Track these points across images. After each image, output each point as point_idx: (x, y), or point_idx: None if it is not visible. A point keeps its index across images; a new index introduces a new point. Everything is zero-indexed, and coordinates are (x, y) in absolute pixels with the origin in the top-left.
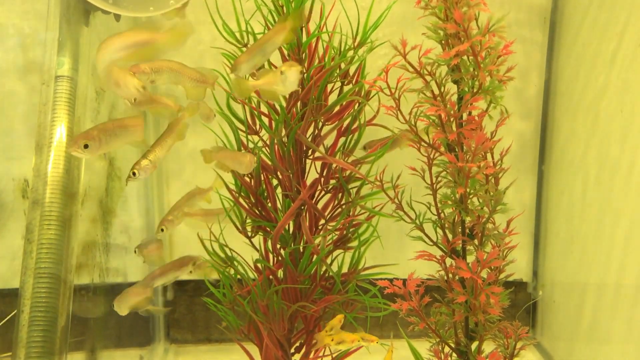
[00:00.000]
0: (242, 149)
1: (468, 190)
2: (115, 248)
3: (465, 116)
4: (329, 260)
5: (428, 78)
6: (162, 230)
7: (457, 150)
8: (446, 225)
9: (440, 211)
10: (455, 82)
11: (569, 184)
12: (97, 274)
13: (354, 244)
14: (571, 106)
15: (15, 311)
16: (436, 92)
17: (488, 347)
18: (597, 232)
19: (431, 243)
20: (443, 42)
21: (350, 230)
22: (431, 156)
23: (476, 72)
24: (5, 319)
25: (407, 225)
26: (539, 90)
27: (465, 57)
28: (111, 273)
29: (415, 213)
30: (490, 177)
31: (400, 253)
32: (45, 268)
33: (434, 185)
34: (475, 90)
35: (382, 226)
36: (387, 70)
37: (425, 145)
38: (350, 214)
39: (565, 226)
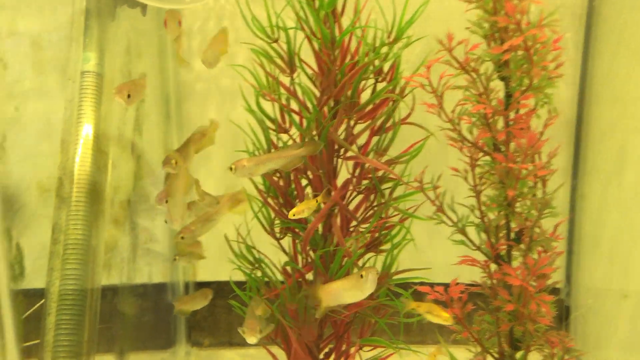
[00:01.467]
0: (272, 148)
1: (517, 192)
2: (142, 248)
3: (512, 115)
4: (360, 264)
5: (474, 75)
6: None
7: (504, 150)
8: (490, 229)
9: (483, 214)
10: (502, 79)
11: (604, 185)
12: (124, 276)
13: (386, 246)
14: (607, 106)
15: (37, 305)
16: (481, 89)
17: (531, 357)
18: (635, 236)
19: (474, 247)
20: (488, 37)
21: (383, 232)
22: (474, 157)
23: (528, 68)
24: (26, 313)
25: (438, 228)
26: (573, 89)
27: (513, 53)
28: (137, 274)
29: (456, 216)
30: (537, 180)
31: (432, 257)
32: (72, 269)
33: (477, 187)
34: (524, 87)
35: (413, 229)
36: (430, 66)
37: (469, 145)
38: (383, 216)
39: (602, 230)
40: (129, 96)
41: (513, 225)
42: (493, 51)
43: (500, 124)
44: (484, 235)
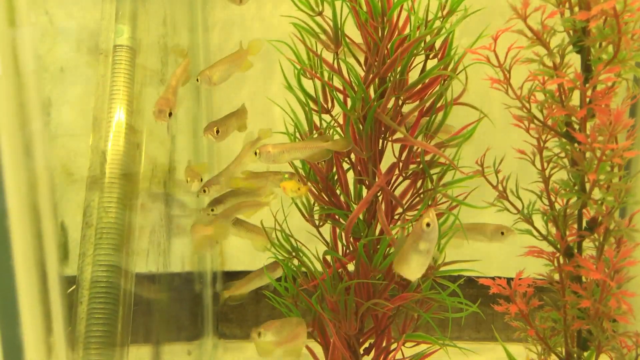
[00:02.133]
0: (314, 130)
1: (598, 176)
2: (176, 233)
3: (589, 92)
4: None
5: (549, 46)
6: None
7: (580, 130)
8: (559, 218)
9: (552, 202)
10: (579, 51)
11: None
12: (160, 263)
13: None
14: None
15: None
16: (554, 62)
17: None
18: None
19: (540, 238)
20: (562, 4)
21: None
22: (542, 138)
23: (614, 37)
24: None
25: (492, 218)
26: None
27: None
28: (172, 261)
29: (522, 203)
30: (615, 164)
31: (480, 248)
32: (105, 255)
33: (546, 172)
34: (605, 60)
35: (463, 218)
36: (497, 36)
37: (538, 124)
38: (431, 203)
39: None
40: (170, 114)
41: (594, 212)
42: (579, 17)
43: (574, 101)
44: (550, 225)
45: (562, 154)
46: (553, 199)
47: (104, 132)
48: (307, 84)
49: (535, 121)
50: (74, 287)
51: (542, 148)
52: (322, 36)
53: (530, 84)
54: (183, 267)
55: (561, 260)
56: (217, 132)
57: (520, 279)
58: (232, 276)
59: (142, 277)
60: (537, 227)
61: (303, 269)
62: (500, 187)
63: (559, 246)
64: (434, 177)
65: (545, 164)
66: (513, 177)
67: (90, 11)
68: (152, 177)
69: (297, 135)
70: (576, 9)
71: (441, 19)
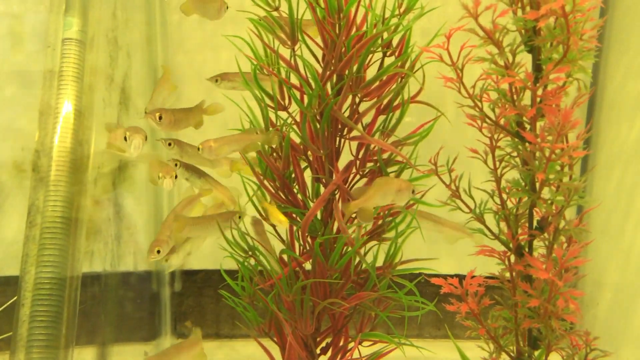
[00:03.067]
0: (270, 126)
1: (547, 176)
2: (126, 234)
3: (539, 91)
4: (362, 253)
5: (500, 45)
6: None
7: (530, 130)
8: (510, 217)
9: (504, 201)
10: (530, 50)
11: (615, 175)
12: (107, 262)
13: (390, 235)
14: (618, 91)
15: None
16: (506, 61)
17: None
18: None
19: (492, 237)
20: (514, 3)
21: (387, 219)
22: (494, 137)
23: (564, 37)
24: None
25: (449, 216)
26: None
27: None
28: (122, 261)
29: (474, 202)
30: (565, 164)
31: (439, 246)
32: (50, 255)
33: (498, 171)
34: (557, 59)
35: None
36: (450, 35)
37: (491, 123)
38: None
39: (611, 220)
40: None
41: (543, 211)
42: (528, 16)
43: (525, 100)
44: (502, 224)
45: (514, 153)
46: (505, 198)
47: (50, 128)
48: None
49: (488, 120)
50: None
51: (494, 147)
52: (279, 32)
53: (482, 83)
54: (136, 266)
55: (512, 260)
56: (160, 118)
57: (472, 277)
58: (190, 275)
59: (89, 277)
60: (489, 226)
61: (259, 268)
62: (453, 186)
63: (510, 245)
64: (391, 175)
65: (498, 163)
66: (466, 175)
67: (37, 3)
68: (100, 175)
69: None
70: (528, 8)
71: (398, 17)
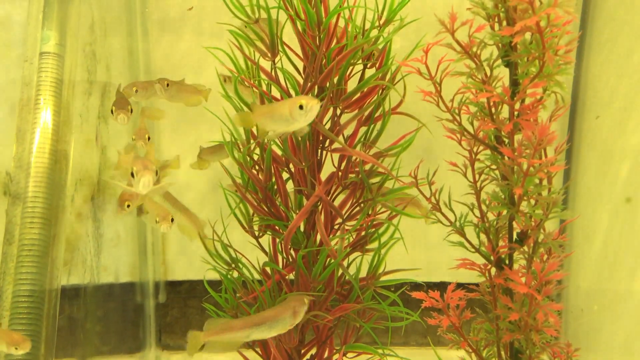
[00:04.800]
0: (251, 139)
1: (525, 190)
2: (107, 247)
3: (517, 105)
4: (345, 264)
5: (477, 60)
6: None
7: (508, 144)
8: (490, 230)
9: (484, 213)
10: (507, 65)
11: (598, 182)
12: (87, 276)
13: (373, 245)
14: (602, 100)
15: None
16: (485, 76)
17: None
18: (634, 232)
19: (473, 250)
20: (491, 18)
21: (370, 231)
22: (474, 150)
23: (539, 53)
24: None
25: (429, 227)
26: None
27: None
28: (102, 274)
29: (454, 215)
30: (543, 177)
31: (423, 256)
32: (28, 273)
33: (478, 184)
34: (532, 74)
35: (402, 227)
36: (428, 50)
37: (469, 137)
38: (371, 212)
39: (596, 227)
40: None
41: (522, 225)
42: (503, 32)
43: (503, 114)
44: (483, 237)
45: (494, 166)
46: (485, 210)
47: (27, 144)
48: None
49: (466, 134)
50: None
51: (473, 160)
52: (259, 44)
53: (461, 97)
54: (117, 278)
55: (493, 272)
56: (136, 91)
57: (453, 291)
58: (175, 286)
59: (69, 292)
60: (470, 239)
61: (242, 280)
62: (433, 199)
63: (491, 258)
64: (373, 186)
65: (477, 176)
66: (446, 188)
67: (15, 16)
68: (78, 190)
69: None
70: (504, 23)
71: (378, 28)
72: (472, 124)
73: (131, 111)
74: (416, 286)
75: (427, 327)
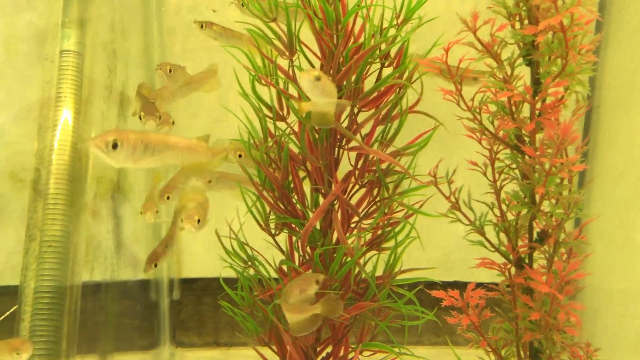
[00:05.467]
0: (269, 137)
1: (547, 190)
2: (126, 244)
3: (538, 104)
4: (362, 263)
5: (498, 59)
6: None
7: (529, 143)
8: (510, 229)
9: (503, 213)
10: (529, 64)
11: (614, 181)
12: (107, 273)
13: (389, 244)
14: (620, 99)
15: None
16: (504, 75)
17: None
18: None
19: (492, 249)
20: (512, 17)
21: (387, 229)
22: (494, 149)
23: (562, 52)
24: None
25: (446, 225)
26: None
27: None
28: (121, 271)
29: (474, 214)
30: (564, 177)
31: (437, 254)
32: (50, 269)
33: (497, 184)
34: (556, 73)
35: (418, 226)
36: (449, 48)
37: (489, 136)
38: (387, 211)
39: (611, 227)
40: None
41: (543, 224)
42: (527, 31)
43: (524, 114)
44: (502, 236)
45: (514, 165)
46: (505, 210)
47: (48, 141)
48: (264, 91)
49: (487, 133)
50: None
51: (493, 159)
52: (277, 43)
53: (481, 96)
54: (135, 275)
55: (512, 272)
56: (170, 71)
57: (473, 289)
58: (189, 283)
59: (89, 288)
60: (489, 238)
61: (259, 277)
62: (452, 198)
63: (510, 257)
64: (390, 185)
65: (497, 175)
66: (466, 187)
67: (36, 14)
68: (99, 187)
69: (252, 142)
70: (526, 21)
71: (396, 27)
72: (492, 123)
73: (159, 117)
74: (430, 285)
75: (441, 326)
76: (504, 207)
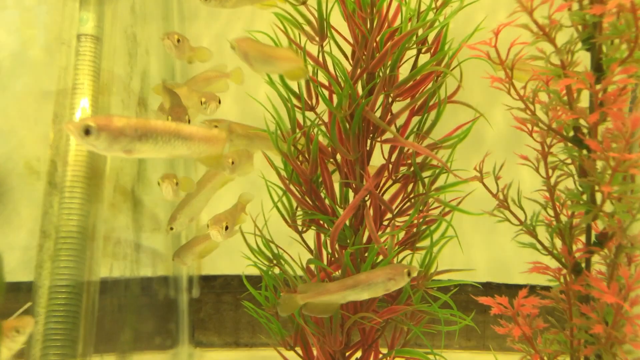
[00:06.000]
0: (297, 128)
1: (613, 188)
2: (145, 239)
3: (601, 94)
4: (395, 262)
5: (555, 43)
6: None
7: (589, 135)
8: (565, 231)
9: (558, 213)
10: (588, 48)
11: None
12: (127, 270)
13: (424, 243)
14: None
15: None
16: (563, 60)
17: None
18: None
19: (545, 252)
20: None
21: (422, 227)
22: (547, 143)
23: (632, 35)
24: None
25: (486, 224)
26: None
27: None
28: (141, 267)
29: (524, 213)
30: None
31: (476, 254)
32: (65, 268)
33: (552, 180)
34: (621, 57)
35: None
36: (499, 31)
37: (543, 128)
38: (423, 208)
39: None
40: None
41: (606, 226)
42: (593, 11)
43: (581, 103)
44: (556, 239)
45: (569, 161)
46: (558, 209)
47: (65, 131)
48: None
49: (540, 124)
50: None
51: (546, 154)
52: (307, 27)
53: (534, 84)
54: (155, 272)
55: (568, 278)
56: (178, 41)
57: (524, 297)
58: (209, 281)
59: (107, 287)
60: (541, 239)
61: (284, 277)
62: (500, 196)
63: (564, 261)
64: (426, 180)
65: (550, 172)
66: (515, 184)
67: None
68: (118, 179)
69: (279, 133)
70: (585, 1)
71: (434, 11)
72: (547, 114)
73: (189, 121)
74: (460, 286)
75: (472, 329)
76: (557, 206)
